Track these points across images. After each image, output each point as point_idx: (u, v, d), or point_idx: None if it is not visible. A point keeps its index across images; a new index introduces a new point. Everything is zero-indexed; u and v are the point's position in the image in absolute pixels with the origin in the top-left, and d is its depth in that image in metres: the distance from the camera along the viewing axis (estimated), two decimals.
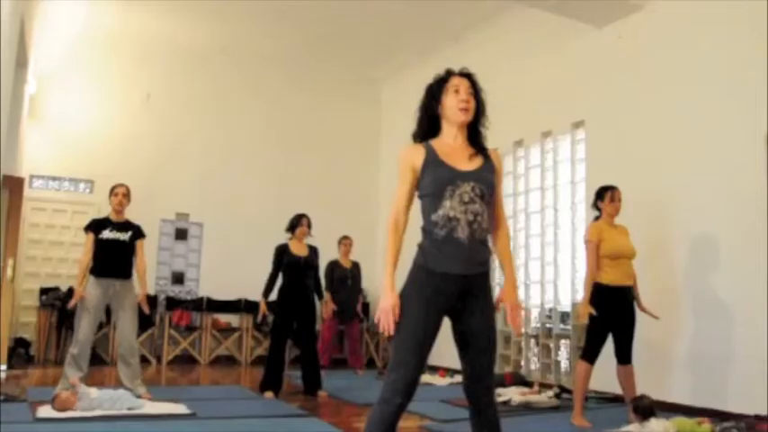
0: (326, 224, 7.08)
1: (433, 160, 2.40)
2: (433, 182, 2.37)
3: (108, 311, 5.55)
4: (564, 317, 6.64)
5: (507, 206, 7.40)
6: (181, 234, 8.86)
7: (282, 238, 5.98)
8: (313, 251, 5.91)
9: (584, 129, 6.55)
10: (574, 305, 6.32)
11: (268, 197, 9.10)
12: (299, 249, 5.84)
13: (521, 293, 7.22)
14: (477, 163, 2.41)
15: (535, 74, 7.20)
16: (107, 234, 5.06)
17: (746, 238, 4.87)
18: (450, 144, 2.44)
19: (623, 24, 6.13)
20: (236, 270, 8.66)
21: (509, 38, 7.59)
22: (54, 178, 8.33)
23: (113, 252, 5.04)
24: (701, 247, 5.22)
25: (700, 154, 5.31)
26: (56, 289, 7.87)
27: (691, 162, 5.38)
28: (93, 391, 4.37)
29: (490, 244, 2.46)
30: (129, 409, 4.34)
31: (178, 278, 8.77)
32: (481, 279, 2.38)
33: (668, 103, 5.64)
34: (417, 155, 2.41)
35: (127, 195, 5.18)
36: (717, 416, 4.57)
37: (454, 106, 2.40)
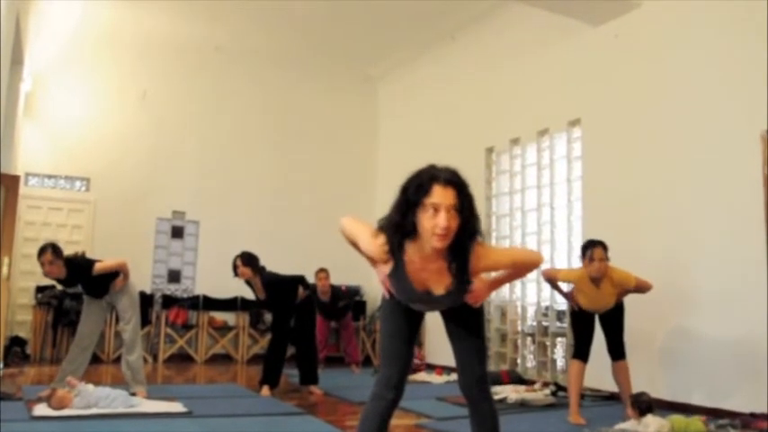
0: (323, 222, 7.07)
1: (400, 275, 2.17)
2: (398, 292, 2.25)
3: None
4: (560, 315, 6.65)
5: (503, 204, 7.44)
6: (177, 232, 8.84)
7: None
8: (267, 288, 5.77)
9: (580, 127, 6.55)
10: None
11: (264, 195, 9.07)
12: (257, 291, 5.83)
13: (517, 291, 7.23)
14: (447, 280, 2.12)
15: (531, 72, 7.20)
16: (67, 289, 5.13)
17: (741, 235, 4.87)
18: (424, 253, 2.09)
19: (620, 23, 6.12)
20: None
21: (505, 36, 7.58)
22: (50, 176, 8.30)
23: (84, 294, 5.15)
24: (693, 243, 5.23)
25: (696, 152, 5.31)
26: (52, 287, 7.83)
27: (687, 160, 5.38)
28: (91, 388, 4.38)
29: None
30: (125, 407, 4.34)
31: (174, 276, 8.75)
32: None
33: (664, 102, 5.64)
34: (383, 258, 2.18)
35: (54, 262, 4.73)
36: (710, 413, 4.58)
37: (429, 230, 1.98)
